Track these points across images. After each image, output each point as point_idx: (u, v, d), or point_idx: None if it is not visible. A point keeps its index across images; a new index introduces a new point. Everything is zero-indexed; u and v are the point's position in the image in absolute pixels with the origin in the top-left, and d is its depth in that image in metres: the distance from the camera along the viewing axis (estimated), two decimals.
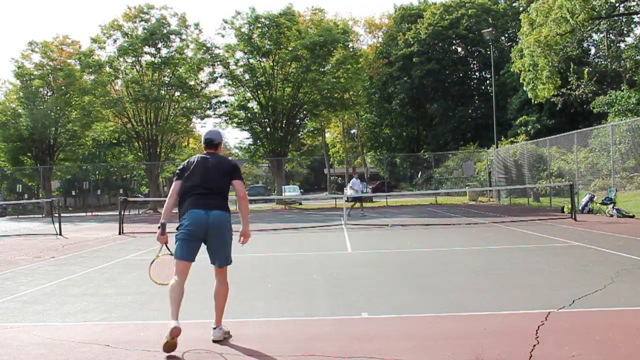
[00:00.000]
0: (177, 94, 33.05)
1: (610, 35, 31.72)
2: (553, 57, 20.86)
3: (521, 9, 30.14)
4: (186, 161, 4.53)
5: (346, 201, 17.95)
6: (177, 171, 4.50)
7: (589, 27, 22.64)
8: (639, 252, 8.06)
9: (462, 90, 41.79)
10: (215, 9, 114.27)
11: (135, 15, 31.65)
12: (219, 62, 32.66)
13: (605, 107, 23.63)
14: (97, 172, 39.97)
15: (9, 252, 11.08)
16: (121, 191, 40.06)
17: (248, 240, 4.60)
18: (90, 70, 30.97)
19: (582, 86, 27.83)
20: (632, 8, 22.29)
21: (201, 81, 33.67)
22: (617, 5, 21.70)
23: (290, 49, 31.69)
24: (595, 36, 33.63)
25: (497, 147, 28.43)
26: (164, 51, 31.73)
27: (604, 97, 24.72)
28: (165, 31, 31.25)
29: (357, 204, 20.14)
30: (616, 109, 22.64)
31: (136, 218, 23.76)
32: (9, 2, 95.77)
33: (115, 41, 31.67)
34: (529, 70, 23.06)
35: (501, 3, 43.40)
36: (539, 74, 21.82)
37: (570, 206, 15.04)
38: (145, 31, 30.98)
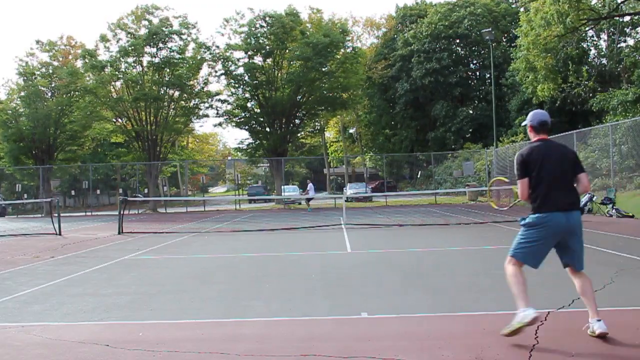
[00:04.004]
0: (176, 93, 33.05)
1: (612, 35, 31.72)
2: (549, 61, 20.94)
3: (522, 9, 30.17)
4: (524, 154, 4.12)
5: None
6: (519, 167, 4.12)
7: (587, 28, 22.69)
8: (638, 252, 8.07)
9: (463, 90, 41.79)
10: (214, 9, 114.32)
11: (140, 15, 31.65)
12: (218, 60, 32.65)
13: (602, 104, 23.64)
14: (98, 171, 39.96)
15: (8, 252, 11.07)
16: (121, 191, 40.05)
17: None
18: (94, 69, 30.98)
19: (582, 85, 27.89)
20: (627, 10, 22.35)
21: (200, 82, 33.69)
22: (619, 4, 21.73)
23: (291, 48, 31.68)
24: (594, 37, 33.66)
25: (496, 147, 28.45)
26: (164, 51, 31.73)
27: (602, 94, 24.78)
28: (167, 31, 31.24)
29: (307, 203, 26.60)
30: (613, 104, 22.64)
31: (135, 218, 23.75)
32: (12, 2, 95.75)
33: (118, 40, 31.70)
34: (527, 72, 23.15)
35: (503, 3, 43.33)
36: (538, 74, 21.91)
37: None
38: (147, 31, 30.98)
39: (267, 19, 31.61)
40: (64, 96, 32.87)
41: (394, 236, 12.18)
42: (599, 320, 3.92)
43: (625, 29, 31.50)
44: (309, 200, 26.29)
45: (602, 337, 3.88)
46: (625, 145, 18.09)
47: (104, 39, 31.47)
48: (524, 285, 3.99)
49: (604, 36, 33.05)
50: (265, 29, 31.84)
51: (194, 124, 37.39)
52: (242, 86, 33.40)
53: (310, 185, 26.55)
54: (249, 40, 31.82)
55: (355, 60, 33.31)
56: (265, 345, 4.00)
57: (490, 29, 30.59)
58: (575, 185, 4.11)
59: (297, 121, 35.16)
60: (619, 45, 31.16)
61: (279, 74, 32.94)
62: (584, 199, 16.64)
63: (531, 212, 4.12)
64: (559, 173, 4.03)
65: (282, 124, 33.49)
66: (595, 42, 34.08)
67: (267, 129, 33.86)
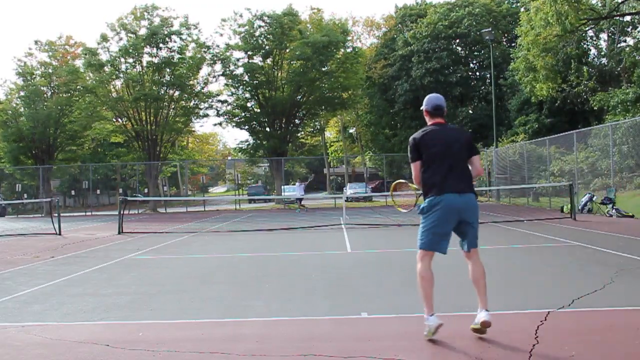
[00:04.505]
0: (176, 93, 33.05)
1: (612, 35, 31.73)
2: (549, 60, 20.95)
3: (522, 9, 30.19)
4: (416, 138, 4.11)
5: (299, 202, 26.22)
6: (411, 149, 4.13)
7: (587, 28, 22.71)
8: (638, 252, 8.06)
9: (463, 90, 41.78)
10: (214, 9, 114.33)
11: (140, 16, 31.64)
12: (218, 60, 32.68)
13: (603, 102, 23.66)
14: (98, 171, 40.00)
15: (8, 252, 11.07)
16: (121, 191, 40.09)
17: None
18: (93, 68, 30.98)
19: (582, 85, 27.90)
20: (627, 10, 22.36)
21: (200, 82, 33.71)
22: (619, 4, 21.74)
23: (291, 47, 31.69)
24: (594, 37, 33.67)
25: (496, 147, 28.44)
26: (164, 51, 31.73)
27: (602, 93, 24.78)
28: (167, 32, 31.24)
29: (301, 204, 26.17)
30: (614, 103, 22.66)
31: (135, 218, 23.74)
32: (10, 2, 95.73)
33: (120, 40, 31.69)
34: (527, 71, 23.15)
35: (505, 4, 43.30)
36: (537, 74, 21.91)
37: (569, 206, 15.05)
38: (148, 31, 30.98)
39: (264, 18, 31.62)
40: (64, 95, 32.88)
41: (394, 236, 12.18)
42: (482, 310, 3.93)
43: (626, 29, 31.49)
44: (300, 200, 26.17)
45: (485, 326, 3.88)
46: (626, 145, 18.09)
47: (104, 38, 31.47)
48: (430, 289, 3.97)
49: (604, 36, 33.05)
50: (263, 29, 31.85)
51: (194, 124, 37.39)
52: (242, 86, 33.41)
53: (301, 186, 26.61)
54: (246, 39, 31.81)
55: (356, 61, 33.32)
56: (265, 345, 4.00)
57: (490, 29, 30.60)
58: (470, 168, 4.12)
59: (297, 121, 35.16)
60: (619, 45, 31.16)
61: (279, 74, 32.95)
62: (583, 199, 16.67)
63: (425, 196, 4.10)
64: (451, 156, 4.02)
65: (282, 124, 33.49)
66: (595, 42, 34.10)
67: (267, 129, 33.87)
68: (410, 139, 4.16)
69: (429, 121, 4.24)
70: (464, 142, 4.12)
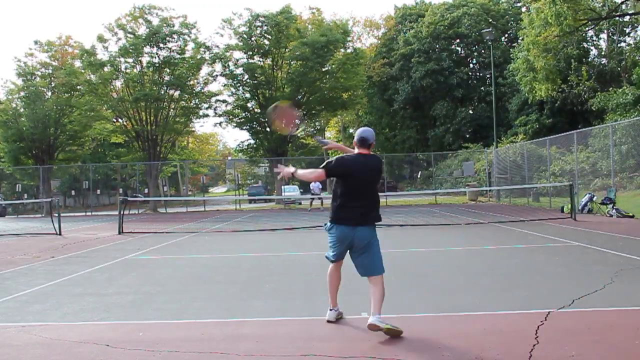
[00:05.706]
0: (176, 93, 33.05)
1: (612, 35, 31.74)
2: (549, 60, 20.97)
3: (524, 9, 30.24)
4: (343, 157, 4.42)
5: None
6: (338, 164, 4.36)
7: (586, 28, 22.74)
8: (638, 252, 8.06)
9: (463, 90, 41.79)
10: (214, 9, 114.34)
11: (139, 16, 31.64)
12: (218, 61, 32.70)
13: (602, 103, 23.68)
14: (98, 171, 40.00)
15: (8, 252, 11.07)
16: (121, 191, 40.07)
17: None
18: (92, 68, 31.00)
19: (582, 85, 27.91)
20: (627, 10, 22.40)
21: (200, 82, 33.72)
22: (619, 4, 21.76)
23: (290, 47, 31.71)
24: (594, 37, 33.69)
25: (496, 147, 28.44)
26: (164, 51, 31.72)
27: (602, 93, 24.81)
28: (167, 32, 31.23)
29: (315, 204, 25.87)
30: (613, 104, 22.68)
31: (136, 218, 23.74)
32: (10, 2, 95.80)
33: (118, 40, 31.69)
34: (527, 71, 23.18)
35: (503, 3, 43.34)
36: (537, 74, 21.94)
37: (570, 206, 15.04)
38: (147, 31, 30.98)
39: (260, 19, 31.63)
40: (64, 96, 32.90)
41: (394, 236, 12.17)
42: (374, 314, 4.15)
43: (625, 28, 31.51)
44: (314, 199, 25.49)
45: (371, 329, 4.08)
46: (625, 145, 18.10)
47: (101, 39, 31.45)
48: (334, 288, 4.57)
49: (604, 36, 33.08)
50: (261, 29, 31.87)
51: (194, 124, 37.40)
52: (242, 86, 33.43)
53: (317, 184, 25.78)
54: (245, 39, 31.80)
55: (356, 62, 33.32)
56: (265, 345, 4.01)
57: (490, 29, 30.61)
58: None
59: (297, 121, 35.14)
60: (619, 45, 31.17)
61: (279, 74, 32.96)
62: (584, 199, 16.65)
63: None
64: (362, 188, 4.32)
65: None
66: (595, 42, 34.12)
67: (268, 129, 33.86)
68: (340, 157, 4.39)
69: (356, 150, 4.45)
70: (376, 169, 4.42)
